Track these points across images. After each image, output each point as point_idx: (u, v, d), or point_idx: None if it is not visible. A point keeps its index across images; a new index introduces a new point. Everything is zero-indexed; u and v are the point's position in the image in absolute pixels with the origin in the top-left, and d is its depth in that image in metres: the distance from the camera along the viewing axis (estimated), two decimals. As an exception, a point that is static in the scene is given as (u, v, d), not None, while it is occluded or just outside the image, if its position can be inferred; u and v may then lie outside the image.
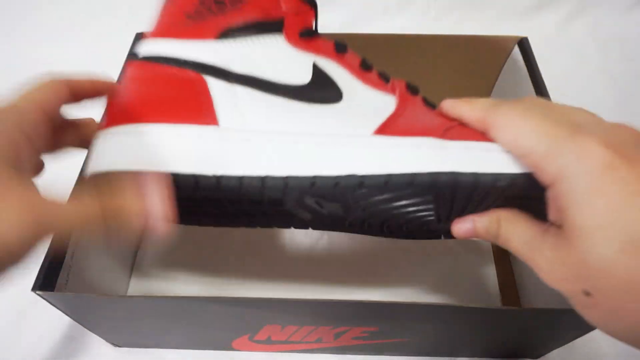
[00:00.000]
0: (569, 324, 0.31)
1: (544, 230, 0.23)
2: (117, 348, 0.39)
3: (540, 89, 0.40)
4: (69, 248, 0.31)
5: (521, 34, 0.45)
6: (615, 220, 0.19)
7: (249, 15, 0.28)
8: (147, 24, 0.60)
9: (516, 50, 0.45)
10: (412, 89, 0.29)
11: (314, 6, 0.31)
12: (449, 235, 0.29)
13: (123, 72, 0.29)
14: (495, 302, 0.40)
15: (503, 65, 0.48)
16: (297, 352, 0.39)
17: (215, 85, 0.26)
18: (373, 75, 0.29)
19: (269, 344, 0.37)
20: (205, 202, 0.26)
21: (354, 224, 0.29)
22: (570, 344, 0.36)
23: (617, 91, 0.61)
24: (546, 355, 0.38)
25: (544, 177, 0.22)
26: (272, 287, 0.41)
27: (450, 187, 0.24)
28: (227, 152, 0.24)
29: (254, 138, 0.25)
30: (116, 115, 0.26)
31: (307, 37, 0.29)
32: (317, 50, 0.29)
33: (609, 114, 0.64)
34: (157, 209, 0.23)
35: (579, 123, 0.22)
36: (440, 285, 0.41)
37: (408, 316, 0.31)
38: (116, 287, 0.39)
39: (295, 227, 0.31)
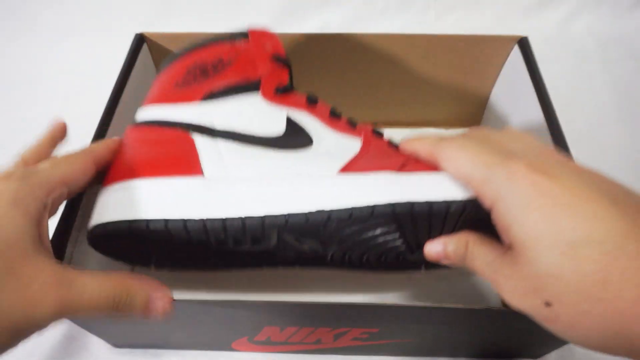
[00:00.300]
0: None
1: (504, 252, 0.24)
2: (117, 349, 0.39)
3: (540, 89, 0.40)
4: (67, 251, 0.31)
5: (521, 34, 0.45)
6: (550, 229, 0.21)
7: (230, 79, 0.33)
8: (146, 23, 0.61)
9: (516, 50, 0.45)
10: (377, 133, 0.32)
11: (288, 66, 0.35)
12: (429, 265, 0.30)
13: (124, 136, 0.33)
14: (496, 302, 0.40)
15: (503, 65, 0.47)
16: (297, 353, 0.39)
17: (200, 141, 0.30)
18: (342, 122, 0.32)
19: (268, 345, 0.37)
20: (196, 246, 0.29)
21: (335, 259, 0.31)
22: (570, 344, 0.36)
23: (618, 91, 0.61)
24: (546, 355, 0.38)
25: (485, 201, 0.24)
26: (271, 288, 0.41)
27: (408, 215, 0.26)
28: (211, 199, 0.28)
29: (234, 185, 0.28)
30: (115, 174, 0.30)
31: (282, 93, 0.33)
32: (291, 104, 0.32)
33: (609, 114, 0.65)
34: (159, 304, 0.27)
35: (511, 150, 0.25)
36: (441, 285, 0.41)
37: (408, 318, 0.31)
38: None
39: (283, 266, 0.33)
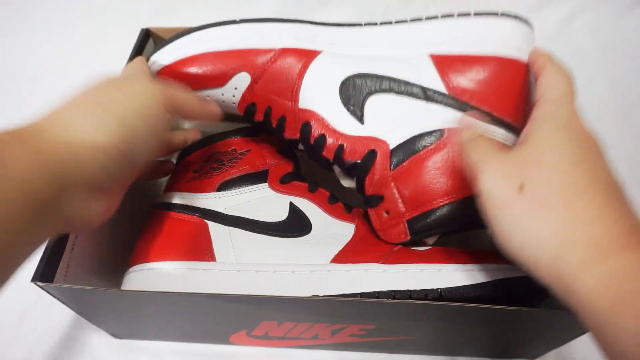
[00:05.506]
0: (567, 325, 0.31)
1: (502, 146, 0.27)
2: (117, 339, 0.39)
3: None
4: (69, 240, 0.32)
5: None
6: (565, 140, 0.25)
7: (242, 169, 0.38)
8: (149, 19, 0.60)
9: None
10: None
11: (294, 158, 0.40)
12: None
13: (148, 219, 0.37)
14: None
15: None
16: (295, 348, 0.39)
17: (214, 227, 0.35)
18: (338, 206, 0.37)
19: (266, 339, 0.37)
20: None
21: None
22: (568, 344, 0.36)
23: (617, 91, 0.61)
24: (544, 355, 0.38)
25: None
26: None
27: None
28: (222, 281, 0.32)
29: (242, 270, 0.32)
30: (141, 255, 0.34)
31: (286, 182, 0.37)
32: (293, 192, 0.37)
33: (609, 114, 0.65)
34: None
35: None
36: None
37: (406, 315, 0.31)
38: (116, 278, 0.39)
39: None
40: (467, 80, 0.32)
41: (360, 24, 0.36)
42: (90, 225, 0.26)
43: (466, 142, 0.29)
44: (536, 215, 0.23)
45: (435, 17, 0.34)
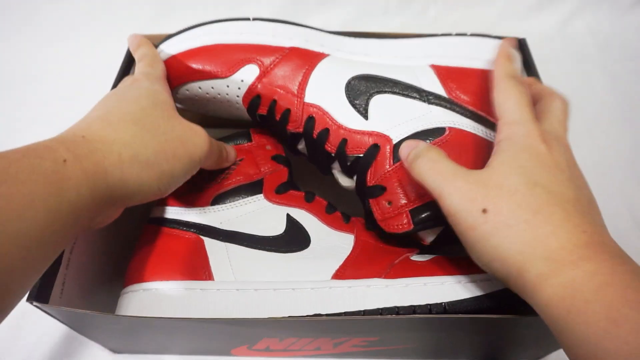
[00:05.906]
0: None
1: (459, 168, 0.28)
2: (116, 354, 0.39)
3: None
4: (63, 258, 0.31)
5: (521, 34, 0.45)
6: (524, 165, 0.26)
7: (236, 180, 0.37)
8: (149, 20, 0.59)
9: (514, 52, 0.45)
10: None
11: (288, 165, 0.39)
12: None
13: (141, 234, 0.36)
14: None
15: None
16: (297, 358, 0.39)
17: (210, 244, 0.34)
18: (336, 216, 0.36)
19: (268, 352, 0.37)
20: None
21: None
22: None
23: (617, 91, 0.60)
24: (544, 357, 0.38)
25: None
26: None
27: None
28: (221, 301, 0.31)
29: (241, 289, 0.31)
30: (137, 274, 0.33)
31: (282, 192, 0.37)
32: (290, 202, 0.36)
33: (609, 114, 0.64)
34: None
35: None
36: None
37: (409, 328, 0.31)
38: (112, 292, 0.38)
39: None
40: (465, 88, 0.35)
41: (365, 36, 0.38)
42: (102, 225, 0.29)
43: (415, 157, 0.29)
44: (499, 236, 0.25)
45: (435, 35, 0.37)
